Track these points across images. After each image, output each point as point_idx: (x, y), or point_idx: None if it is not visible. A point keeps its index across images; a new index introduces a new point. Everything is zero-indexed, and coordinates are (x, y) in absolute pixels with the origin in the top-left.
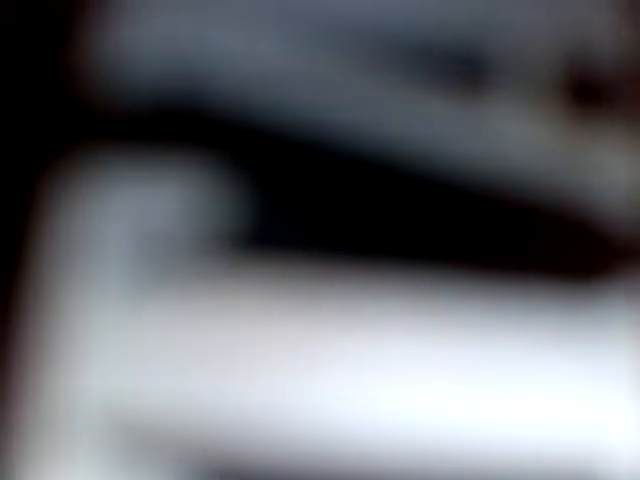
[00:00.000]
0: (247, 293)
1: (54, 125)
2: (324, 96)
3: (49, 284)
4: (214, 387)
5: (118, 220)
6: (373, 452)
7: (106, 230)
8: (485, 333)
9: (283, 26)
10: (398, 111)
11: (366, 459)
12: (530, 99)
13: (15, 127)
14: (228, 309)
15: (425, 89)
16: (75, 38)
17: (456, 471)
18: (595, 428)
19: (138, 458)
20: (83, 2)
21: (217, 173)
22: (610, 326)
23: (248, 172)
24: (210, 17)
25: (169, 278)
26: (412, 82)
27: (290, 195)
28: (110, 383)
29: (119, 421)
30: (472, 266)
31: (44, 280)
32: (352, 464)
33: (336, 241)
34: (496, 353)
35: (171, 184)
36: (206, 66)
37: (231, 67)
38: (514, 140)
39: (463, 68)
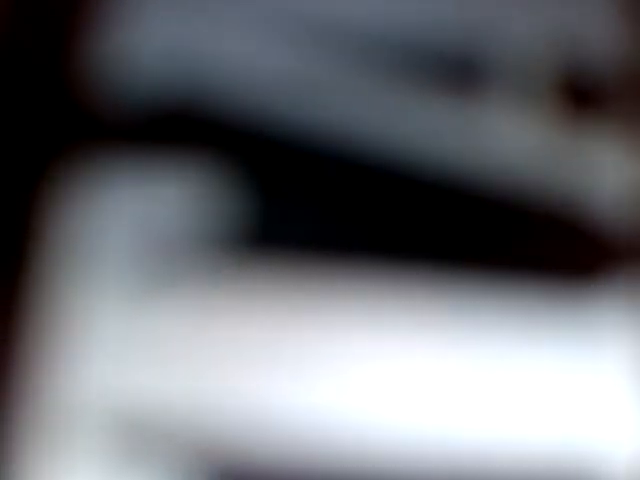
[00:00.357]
0: (247, 293)
1: (55, 127)
2: (322, 97)
3: (50, 284)
4: (214, 387)
5: (119, 221)
6: (373, 452)
7: (107, 231)
8: (484, 333)
9: (281, 29)
10: (396, 111)
11: (366, 459)
12: (527, 99)
13: (16, 129)
14: (228, 309)
15: (422, 89)
16: (76, 40)
17: (455, 470)
18: (595, 428)
19: (138, 458)
20: (84, 5)
21: (217, 174)
22: (609, 325)
23: (248, 173)
24: (209, 21)
25: (169, 278)
26: (409, 82)
27: (290, 195)
28: (110, 383)
29: (119, 421)
30: (471, 266)
31: (45, 280)
32: (352, 464)
33: (336, 241)
34: (495, 353)
35: (172, 185)
36: (205, 68)
37: (230, 69)
38: (511, 140)
39: (460, 69)
